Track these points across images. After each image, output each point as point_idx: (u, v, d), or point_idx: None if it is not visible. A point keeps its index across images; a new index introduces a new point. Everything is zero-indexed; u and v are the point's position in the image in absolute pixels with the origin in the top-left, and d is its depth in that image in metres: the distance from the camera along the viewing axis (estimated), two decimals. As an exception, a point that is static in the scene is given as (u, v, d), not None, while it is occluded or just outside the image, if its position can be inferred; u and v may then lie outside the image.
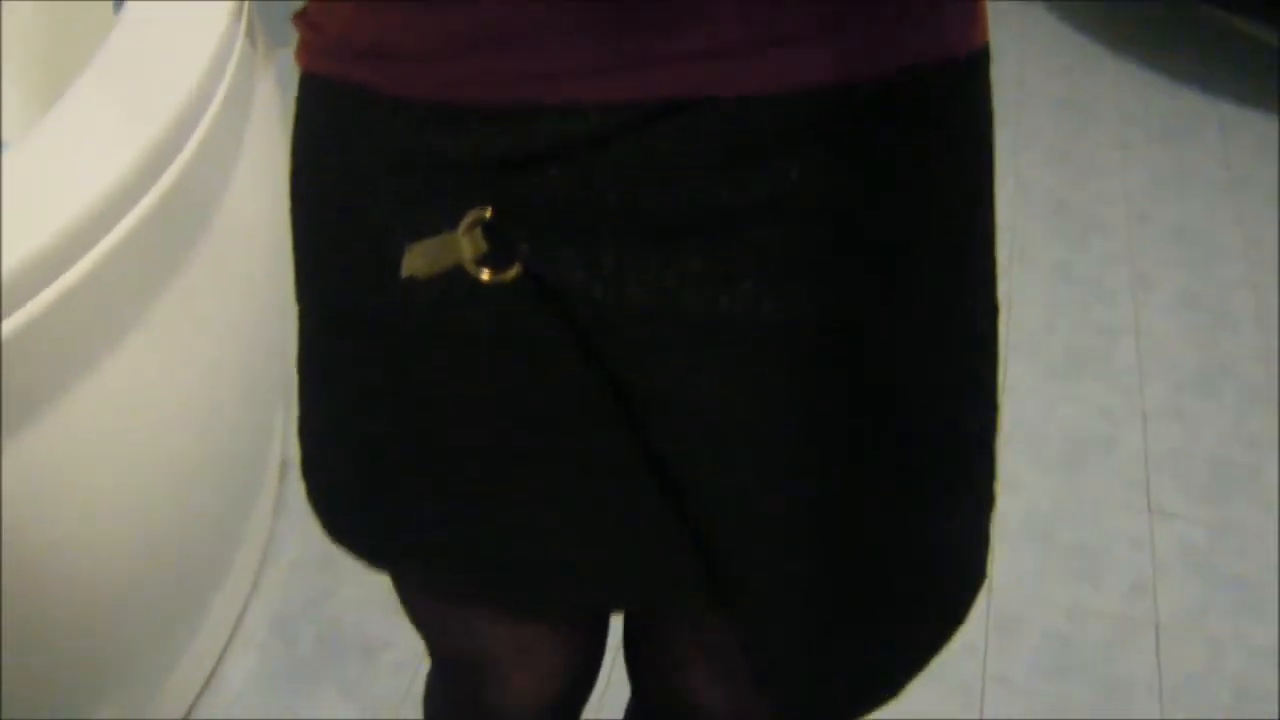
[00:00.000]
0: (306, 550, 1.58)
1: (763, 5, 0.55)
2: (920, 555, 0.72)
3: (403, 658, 1.48)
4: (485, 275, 0.61)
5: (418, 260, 0.62)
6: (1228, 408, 1.91)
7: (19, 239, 0.96)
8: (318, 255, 0.71)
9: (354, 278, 0.67)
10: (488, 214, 0.60)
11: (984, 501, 0.74)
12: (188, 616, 1.39)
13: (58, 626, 1.14)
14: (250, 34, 1.34)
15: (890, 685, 0.76)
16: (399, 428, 0.70)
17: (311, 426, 0.77)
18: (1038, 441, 1.84)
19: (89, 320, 1.05)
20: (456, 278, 0.62)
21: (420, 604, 0.88)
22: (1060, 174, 2.37)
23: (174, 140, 1.12)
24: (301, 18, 0.67)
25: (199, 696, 1.42)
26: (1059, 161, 2.41)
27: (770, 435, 0.65)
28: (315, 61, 0.66)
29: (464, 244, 0.61)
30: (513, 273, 0.61)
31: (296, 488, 1.57)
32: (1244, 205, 2.32)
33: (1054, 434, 1.85)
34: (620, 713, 1.03)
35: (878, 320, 0.64)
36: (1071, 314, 2.06)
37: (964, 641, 1.49)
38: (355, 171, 0.65)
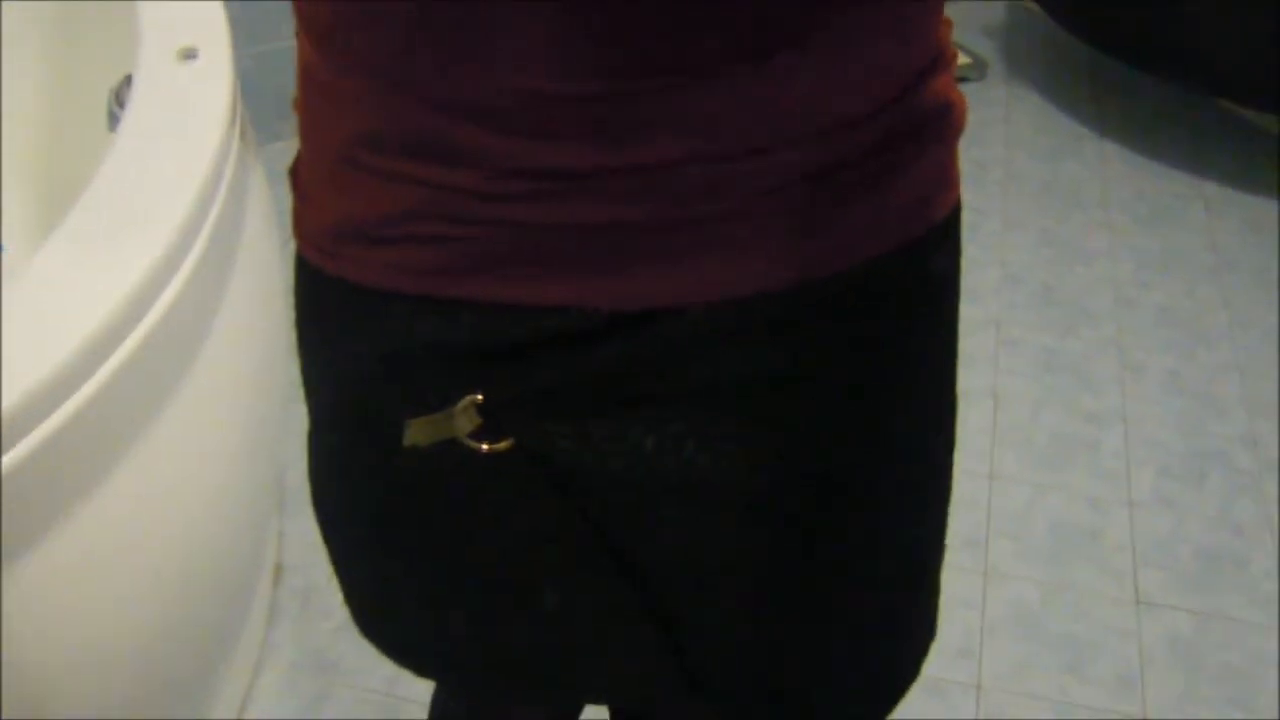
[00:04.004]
0: (301, 654, 1.60)
1: (734, 230, 0.60)
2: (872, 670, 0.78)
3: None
4: (484, 447, 0.66)
5: (418, 433, 0.66)
6: (1215, 495, 1.93)
7: (22, 370, 0.99)
8: (334, 419, 0.75)
9: (368, 442, 0.71)
10: (480, 399, 0.65)
11: (929, 628, 0.80)
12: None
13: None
14: (244, 134, 1.38)
15: None
16: (426, 564, 0.75)
17: (355, 571, 0.81)
18: (1025, 532, 1.85)
19: (94, 441, 1.07)
20: (456, 445, 0.66)
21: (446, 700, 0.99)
22: (1047, 259, 2.40)
23: (173, 259, 1.15)
24: (291, 177, 0.70)
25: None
26: (1046, 246, 2.44)
27: (746, 578, 0.71)
28: (305, 245, 0.70)
29: (460, 421, 0.65)
30: (505, 444, 0.66)
31: (290, 592, 1.59)
32: (1230, 287, 2.35)
33: (1041, 524, 1.87)
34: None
35: (849, 477, 0.69)
36: (1059, 402, 2.08)
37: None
38: (357, 362, 0.69)
